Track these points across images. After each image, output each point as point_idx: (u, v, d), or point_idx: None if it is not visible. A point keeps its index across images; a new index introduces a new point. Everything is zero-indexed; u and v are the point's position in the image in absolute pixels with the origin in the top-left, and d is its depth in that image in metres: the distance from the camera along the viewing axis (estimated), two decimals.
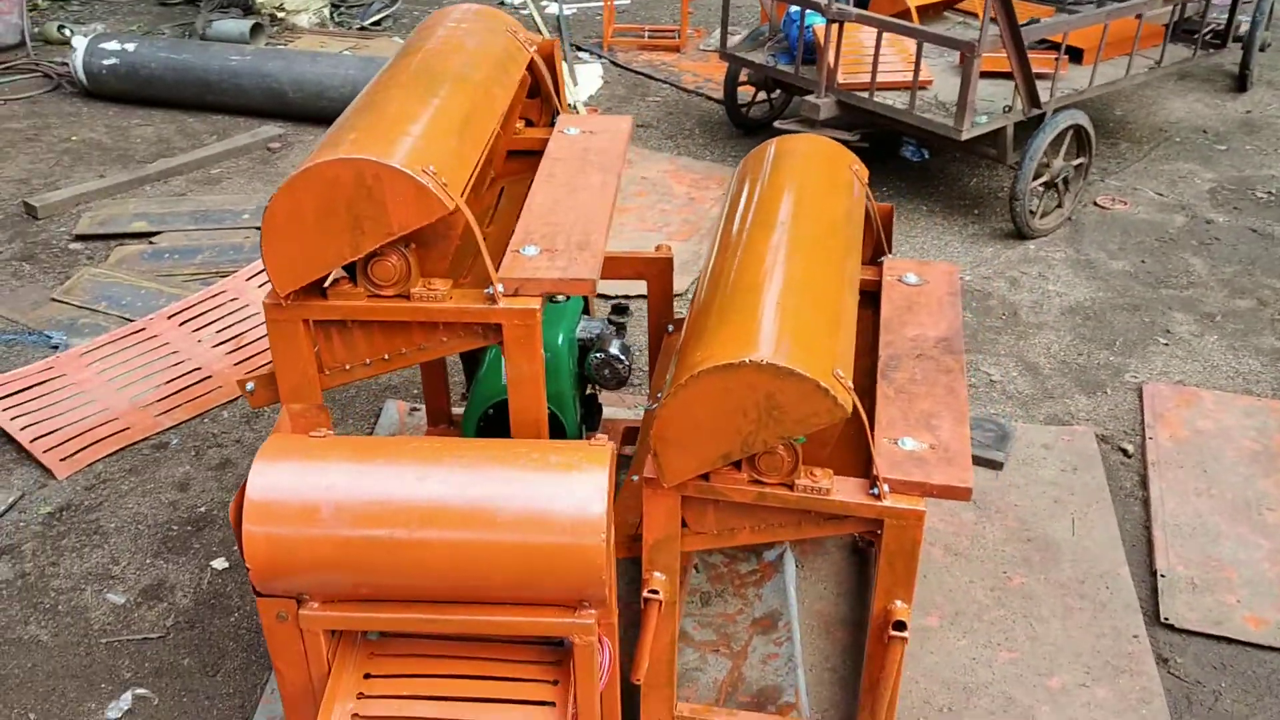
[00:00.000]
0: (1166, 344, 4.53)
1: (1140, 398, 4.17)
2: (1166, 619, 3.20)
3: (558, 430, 3.00)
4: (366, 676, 2.20)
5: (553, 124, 3.14)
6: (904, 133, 5.69)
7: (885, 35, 5.13)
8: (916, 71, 5.06)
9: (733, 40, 6.09)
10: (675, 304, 3.42)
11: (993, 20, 4.77)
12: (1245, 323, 4.68)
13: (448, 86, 2.65)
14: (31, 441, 3.88)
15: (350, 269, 2.39)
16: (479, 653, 2.22)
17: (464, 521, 2.02)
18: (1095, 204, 5.65)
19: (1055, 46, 5.28)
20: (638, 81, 7.27)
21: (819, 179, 2.93)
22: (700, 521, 2.48)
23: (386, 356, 2.50)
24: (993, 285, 4.94)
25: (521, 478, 2.05)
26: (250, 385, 2.55)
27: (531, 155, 3.02)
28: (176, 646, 3.15)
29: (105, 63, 6.66)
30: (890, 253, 3.16)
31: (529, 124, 3.28)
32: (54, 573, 3.39)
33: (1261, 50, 6.97)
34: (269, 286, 2.36)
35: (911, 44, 5.13)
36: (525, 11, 7.89)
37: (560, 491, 2.03)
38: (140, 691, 3.01)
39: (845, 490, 2.36)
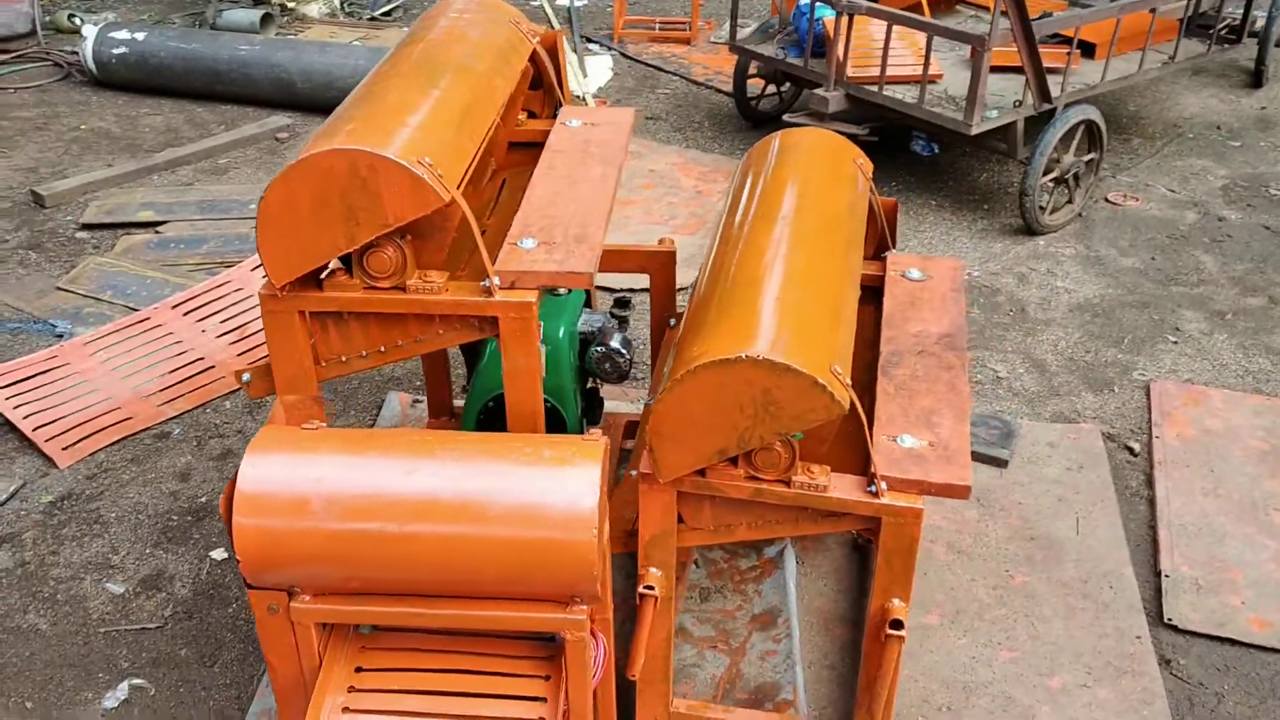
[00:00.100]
0: (1176, 342, 4.49)
1: (1148, 396, 4.13)
2: (1170, 620, 3.17)
3: (558, 424, 2.99)
4: (358, 670, 2.19)
5: (555, 116, 3.12)
6: (914, 127, 5.65)
7: (895, 28, 5.09)
8: (926, 65, 5.02)
9: (742, 33, 6.06)
10: (679, 298, 3.40)
11: (1004, 14, 4.73)
12: (1256, 321, 4.63)
13: (448, 77, 2.63)
14: (34, 430, 3.88)
15: (346, 261, 2.38)
16: (471, 647, 2.21)
17: (455, 515, 2.00)
18: (1106, 200, 5.61)
19: (1067, 41, 5.23)
20: (647, 74, 7.24)
21: (822, 173, 2.91)
22: (697, 517, 2.46)
23: (383, 349, 2.49)
24: (1001, 281, 4.90)
25: (513, 472, 2.04)
26: (246, 376, 2.54)
27: (534, 147, 3.00)
28: (174, 637, 3.14)
29: (115, 51, 6.66)
30: (894, 247, 3.13)
31: (531, 116, 3.27)
32: (54, 562, 3.39)
33: (1278, 46, 6.90)
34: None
35: (922, 37, 5.09)
36: (536, 3, 7.86)
37: (552, 486, 2.01)
38: (137, 681, 3.01)
39: (842, 487, 2.34)
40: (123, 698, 2.96)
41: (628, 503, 2.73)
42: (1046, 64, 5.01)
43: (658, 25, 7.89)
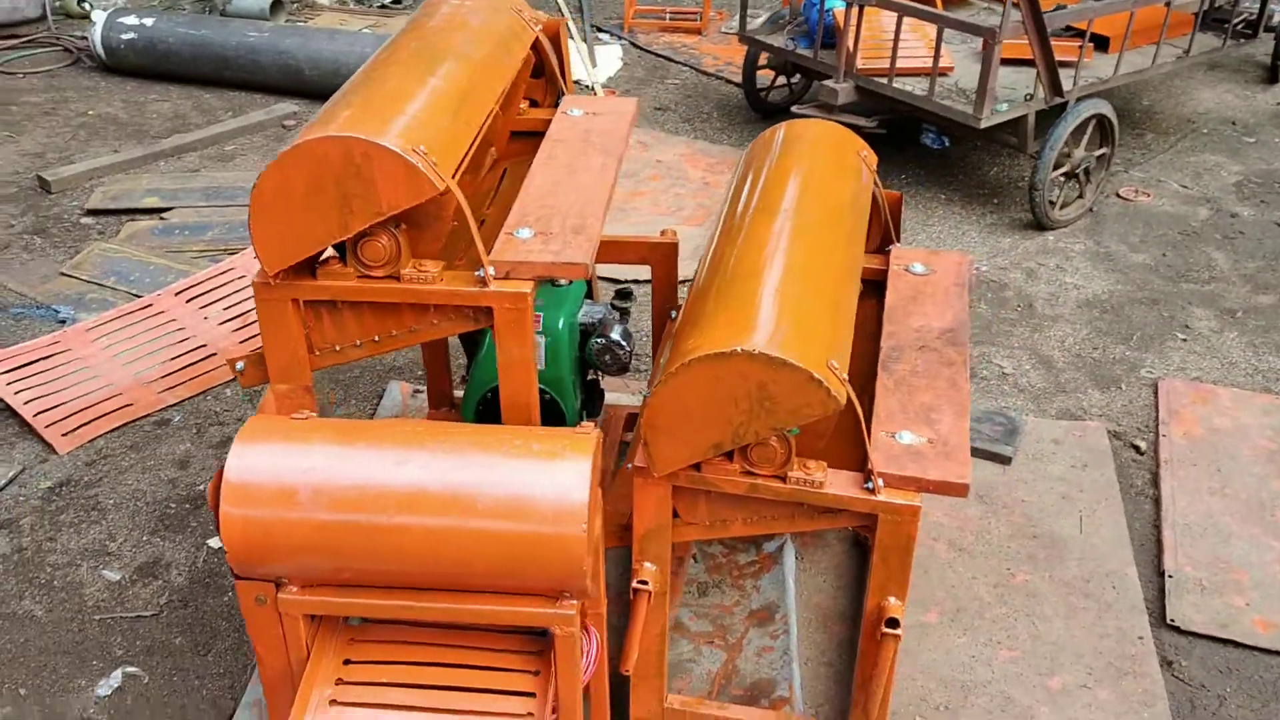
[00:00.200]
0: (1185, 339, 4.45)
1: (1155, 394, 4.09)
2: (1172, 620, 3.14)
3: (557, 415, 2.96)
4: (346, 662, 2.17)
5: (558, 105, 3.09)
6: (924, 120, 5.60)
7: (906, 20, 5.04)
8: (937, 57, 4.98)
9: (753, 23, 6.02)
10: (681, 289, 3.37)
11: (1016, 6, 4.68)
12: (1267, 319, 4.58)
13: (446, 65, 2.60)
14: (34, 416, 3.87)
15: (341, 249, 2.36)
16: (461, 641, 2.19)
17: (443, 508, 1.98)
18: (1118, 195, 5.55)
19: (1080, 34, 5.18)
20: (657, 64, 7.20)
21: (826, 165, 2.88)
22: (692, 512, 2.44)
23: (377, 338, 2.46)
24: (1009, 276, 4.86)
25: (503, 464, 2.01)
26: (240, 364, 2.52)
27: (536, 136, 2.97)
28: (169, 625, 3.13)
29: (124, 37, 6.65)
30: (898, 241, 3.10)
31: (534, 104, 3.24)
32: (51, 548, 3.38)
33: None
34: None
35: (933, 29, 5.04)
36: None
37: (542, 480, 1.99)
38: (131, 669, 3.00)
39: (839, 483, 2.31)
40: (116, 685, 2.95)
41: (623, 496, 2.70)
42: (1059, 57, 4.95)
43: (668, 15, 7.85)
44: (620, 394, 3.90)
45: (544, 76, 3.20)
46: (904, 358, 2.64)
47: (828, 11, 5.42)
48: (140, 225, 5.13)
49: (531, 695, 2.12)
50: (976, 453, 3.67)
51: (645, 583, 2.45)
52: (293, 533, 2.00)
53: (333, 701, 2.11)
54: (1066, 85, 5.03)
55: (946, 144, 5.99)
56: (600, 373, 3.13)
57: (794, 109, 5.45)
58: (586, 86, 6.65)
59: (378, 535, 1.98)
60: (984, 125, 4.92)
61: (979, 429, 3.76)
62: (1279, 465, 3.71)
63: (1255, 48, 6.35)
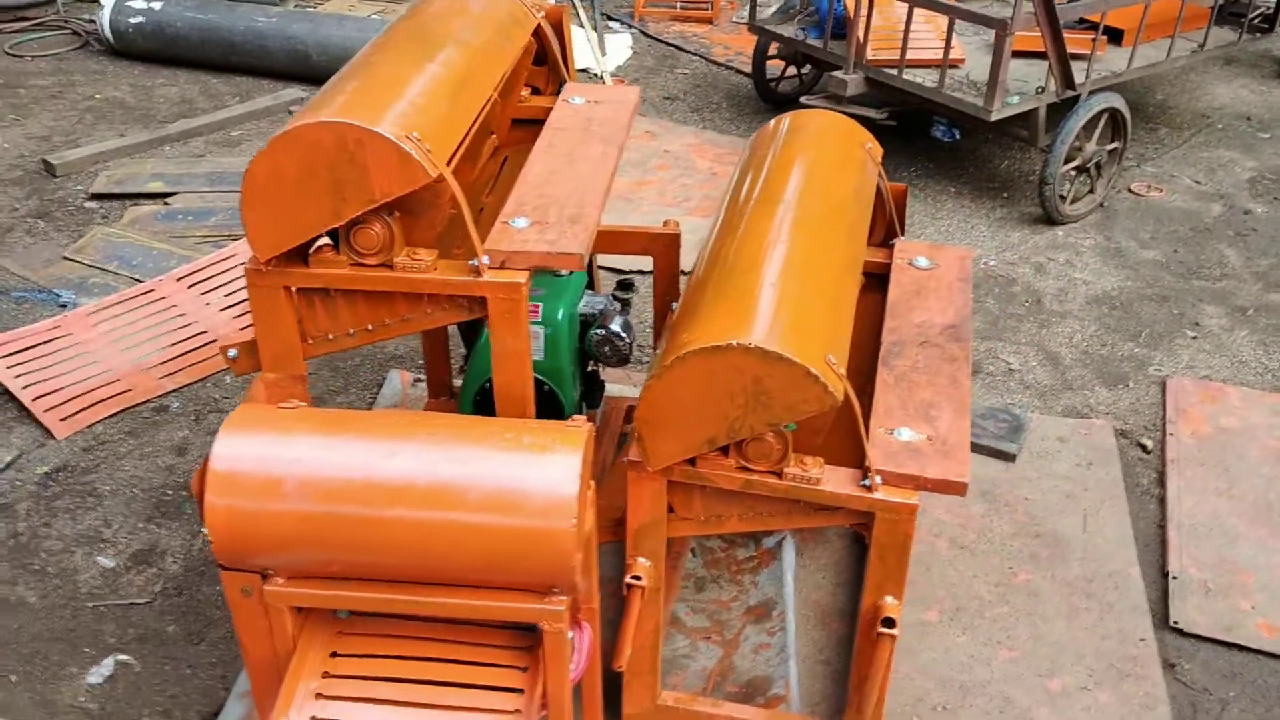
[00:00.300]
0: (1195, 337, 4.39)
1: (1163, 392, 4.04)
2: (1176, 623, 3.10)
3: (556, 407, 2.94)
4: (333, 655, 2.14)
5: (560, 92, 3.05)
6: (934, 112, 5.55)
7: (918, 10, 4.99)
8: (947, 49, 4.92)
9: (763, 12, 5.96)
10: (684, 281, 3.33)
11: None
12: (1278, 318, 4.52)
13: (443, 51, 2.56)
14: (33, 400, 3.85)
15: (335, 236, 2.33)
16: (449, 635, 2.16)
17: (431, 501, 1.95)
18: (1129, 190, 5.49)
19: (1093, 26, 5.12)
20: (667, 53, 7.15)
21: (830, 157, 2.84)
22: (687, 507, 2.41)
23: (370, 327, 2.43)
24: (1017, 271, 4.81)
25: (493, 457, 1.98)
26: (233, 352, 2.50)
27: (537, 124, 2.93)
28: (163, 613, 3.11)
29: (132, 21, 6.61)
30: (902, 234, 3.06)
31: (536, 92, 3.20)
32: (46, 534, 3.36)
33: None
34: None
35: (944, 20, 4.98)
36: None
37: (531, 473, 1.96)
38: (123, 657, 2.98)
39: (836, 480, 2.28)
40: (107, 673, 2.93)
41: (618, 490, 2.67)
42: (1071, 50, 4.89)
43: (679, 4, 7.79)
44: (621, 385, 3.87)
45: (546, 64, 3.16)
46: (905, 353, 2.60)
47: (838, 1, 5.37)
48: (144, 210, 5.10)
49: (520, 691, 2.09)
50: (980, 449, 3.63)
51: (639, 578, 2.43)
52: (279, 524, 1.97)
53: (319, 694, 2.08)
54: (1079, 78, 4.97)
55: (957, 136, 5.93)
56: (600, 364, 3.10)
57: (803, 100, 5.40)
58: (595, 75, 6.61)
59: (365, 527, 1.96)
60: (995, 118, 4.86)
61: (983, 425, 3.72)
62: None
63: (1272, 42, 6.26)
